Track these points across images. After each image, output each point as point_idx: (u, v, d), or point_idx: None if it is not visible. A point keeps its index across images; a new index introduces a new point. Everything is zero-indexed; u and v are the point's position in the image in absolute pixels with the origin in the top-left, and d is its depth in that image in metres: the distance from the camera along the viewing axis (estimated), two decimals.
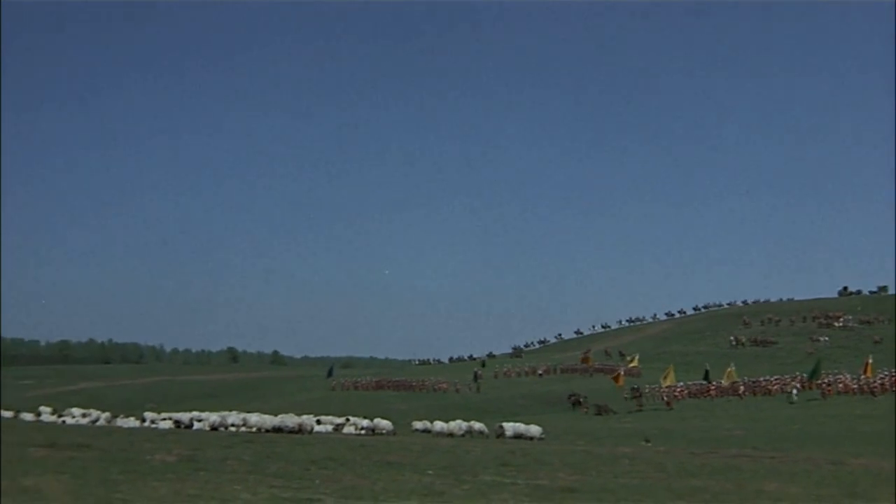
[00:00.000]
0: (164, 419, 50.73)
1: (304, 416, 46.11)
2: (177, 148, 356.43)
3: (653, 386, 77.62)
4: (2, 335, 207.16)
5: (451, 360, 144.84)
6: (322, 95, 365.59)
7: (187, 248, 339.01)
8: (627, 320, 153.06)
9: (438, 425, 47.71)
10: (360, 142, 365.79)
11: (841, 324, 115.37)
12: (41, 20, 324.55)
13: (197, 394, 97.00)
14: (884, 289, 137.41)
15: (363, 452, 28.25)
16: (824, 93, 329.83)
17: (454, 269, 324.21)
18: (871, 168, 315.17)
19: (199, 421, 47.90)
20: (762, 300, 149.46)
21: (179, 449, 26.11)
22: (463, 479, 21.41)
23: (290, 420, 43.77)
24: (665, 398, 73.30)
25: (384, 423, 48.26)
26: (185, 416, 49.74)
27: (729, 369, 79.08)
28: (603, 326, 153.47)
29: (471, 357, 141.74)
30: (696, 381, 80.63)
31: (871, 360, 71.51)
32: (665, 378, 77.24)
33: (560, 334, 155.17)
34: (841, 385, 69.99)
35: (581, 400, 75.06)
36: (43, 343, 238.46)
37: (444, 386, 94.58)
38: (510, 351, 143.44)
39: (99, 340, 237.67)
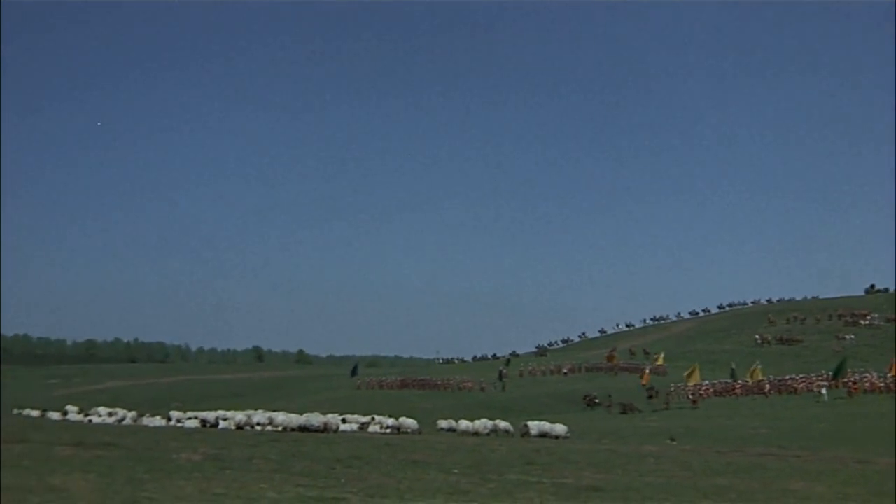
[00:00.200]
0: (190, 418, 50.94)
1: (330, 415, 46.13)
2: (198, 146, 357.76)
3: (678, 384, 77.35)
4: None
5: (474, 358, 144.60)
6: (344, 93, 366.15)
7: (213, 247, 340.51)
8: (651, 319, 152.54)
9: (463, 424, 47.67)
10: (383, 141, 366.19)
11: (867, 322, 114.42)
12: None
13: (222, 393, 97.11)
14: None
15: (388, 451, 28.25)
16: (848, 89, 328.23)
17: (478, 268, 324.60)
18: None
19: (225, 420, 48.03)
20: (787, 298, 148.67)
21: (205, 448, 26.17)
22: (488, 478, 21.40)
23: (315, 419, 43.79)
24: (690, 397, 73.05)
25: (409, 422, 48.26)
26: (210, 415, 49.88)
27: (755, 367, 78.70)
28: (627, 325, 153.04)
29: (494, 356, 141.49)
30: (721, 380, 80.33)
31: None
32: (689, 376, 76.97)
33: (584, 333, 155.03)
34: (867, 383, 69.54)
35: (596, 401, 74.79)
36: (69, 342, 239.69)
37: (469, 385, 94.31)
38: (534, 350, 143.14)
39: (125, 340, 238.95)
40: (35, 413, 65.24)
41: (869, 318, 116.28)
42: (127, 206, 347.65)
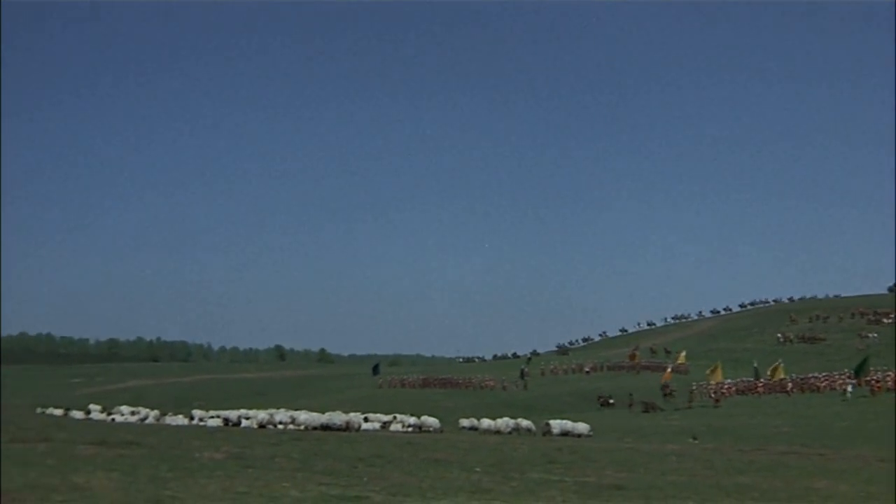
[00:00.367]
0: (213, 417, 51.15)
1: (352, 414, 46.26)
2: (218, 144, 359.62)
3: (700, 383, 77.12)
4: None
5: (494, 357, 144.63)
6: (364, 89, 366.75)
7: (235, 247, 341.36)
8: (672, 318, 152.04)
9: (485, 423, 47.71)
10: (403, 140, 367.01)
11: (890, 320, 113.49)
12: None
13: (245, 392, 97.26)
14: None
15: (410, 450, 28.26)
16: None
17: (499, 267, 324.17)
18: None
19: (248, 419, 48.26)
20: (809, 297, 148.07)
21: (228, 446, 26.21)
22: (510, 477, 21.36)
23: (337, 418, 43.90)
24: (713, 395, 72.82)
25: (431, 421, 48.31)
26: (233, 414, 50.12)
27: (777, 365, 78.32)
28: (648, 324, 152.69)
29: (515, 355, 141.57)
30: (743, 378, 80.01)
31: None
32: (712, 375, 76.73)
33: (605, 332, 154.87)
34: (890, 382, 69.12)
35: (611, 401, 74.60)
36: (92, 342, 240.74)
37: (491, 383, 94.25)
38: (554, 349, 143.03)
39: (147, 339, 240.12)
40: (58, 412, 65.57)
41: (892, 316, 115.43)
42: (150, 205, 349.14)
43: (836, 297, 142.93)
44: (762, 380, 77.66)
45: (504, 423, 47.21)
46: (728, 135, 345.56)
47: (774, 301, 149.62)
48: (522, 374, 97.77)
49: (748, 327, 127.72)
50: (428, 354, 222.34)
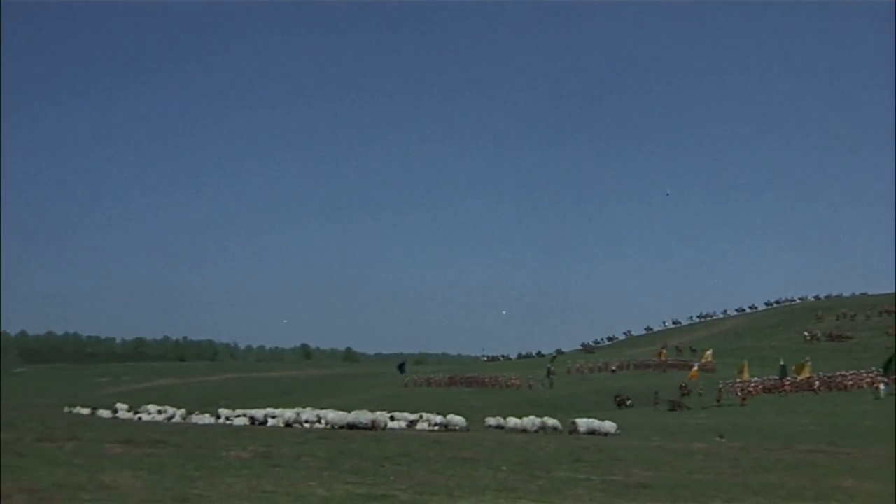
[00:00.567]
0: (239, 416, 51.25)
1: (378, 413, 46.18)
2: (242, 143, 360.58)
3: (727, 381, 76.79)
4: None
5: (519, 356, 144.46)
6: (397, 85, 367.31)
7: (262, 246, 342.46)
8: (698, 316, 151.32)
9: (512, 421, 47.60)
10: (425, 137, 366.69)
11: None
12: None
13: (271, 391, 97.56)
14: None
15: (437, 448, 28.27)
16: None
17: (523, 266, 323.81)
18: None
19: (274, 418, 48.34)
20: (835, 295, 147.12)
21: (254, 445, 26.29)
22: (536, 475, 21.33)
23: (363, 416, 43.86)
24: (739, 394, 72.50)
25: (457, 420, 48.24)
26: (259, 413, 50.20)
27: (803, 363, 77.81)
28: (674, 322, 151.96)
29: (539, 354, 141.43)
30: (769, 377, 79.58)
31: None
32: (740, 373, 76.43)
33: (630, 331, 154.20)
34: None
35: (628, 402, 74.19)
36: (119, 341, 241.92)
37: (517, 382, 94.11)
38: (579, 347, 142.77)
39: (174, 338, 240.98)
40: (85, 411, 65.86)
41: None
42: (178, 204, 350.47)
43: (862, 294, 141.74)
44: (789, 378, 77.18)
45: (530, 421, 47.09)
46: (753, 131, 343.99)
47: (800, 299, 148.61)
48: (549, 373, 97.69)
49: (774, 325, 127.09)
50: (453, 353, 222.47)
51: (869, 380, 72.06)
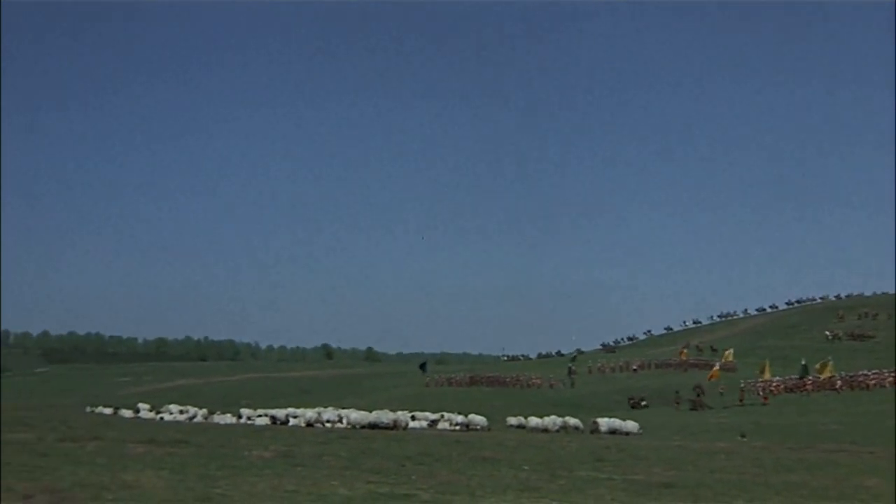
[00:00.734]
0: (260, 416, 51.37)
1: (399, 413, 46.18)
2: (265, 142, 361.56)
3: (748, 380, 76.51)
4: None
5: (539, 356, 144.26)
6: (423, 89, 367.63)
7: (282, 246, 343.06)
8: (718, 316, 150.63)
9: (533, 421, 47.56)
10: (444, 140, 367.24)
11: None
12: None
13: (292, 390, 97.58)
14: None
15: (458, 448, 28.23)
16: None
17: (543, 265, 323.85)
18: None
19: (295, 417, 48.41)
20: (856, 294, 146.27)
21: (276, 445, 26.31)
22: (558, 475, 21.28)
23: (384, 416, 43.84)
24: (761, 393, 72.21)
25: (478, 419, 48.21)
26: (280, 413, 50.30)
27: (826, 362, 77.38)
28: (694, 322, 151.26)
29: (559, 353, 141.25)
30: (791, 376, 79.22)
31: None
32: (762, 373, 76.17)
33: (650, 330, 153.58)
34: None
35: (643, 403, 73.77)
36: (140, 341, 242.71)
37: (538, 382, 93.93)
38: (599, 347, 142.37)
39: (195, 338, 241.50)
40: (107, 411, 66.02)
41: None
42: (199, 205, 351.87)
43: (884, 293, 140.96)
44: (811, 377, 76.77)
45: (552, 421, 47.05)
46: (772, 131, 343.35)
47: (822, 298, 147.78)
48: (570, 372, 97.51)
49: (796, 325, 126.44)
50: (474, 353, 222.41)
51: (891, 379, 71.66)
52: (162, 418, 55.76)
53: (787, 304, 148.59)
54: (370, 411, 45.91)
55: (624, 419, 47.15)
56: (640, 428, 45.35)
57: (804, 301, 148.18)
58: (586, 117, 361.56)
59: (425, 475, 20.15)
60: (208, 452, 23.48)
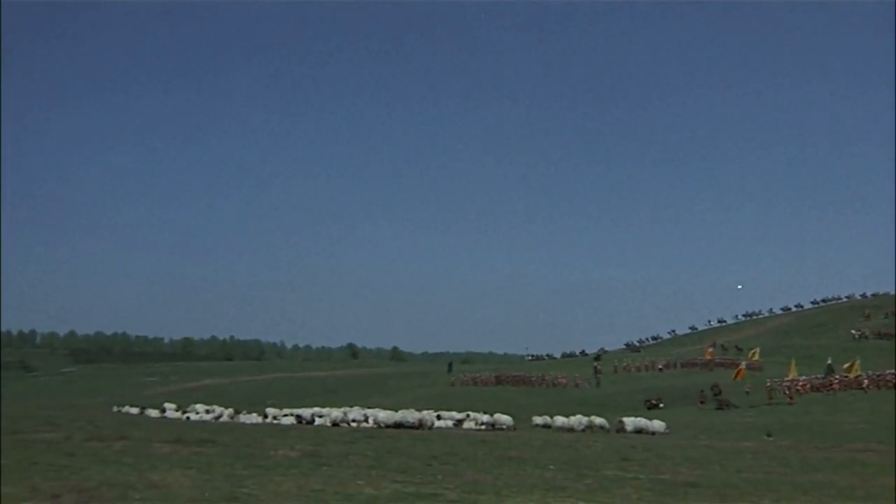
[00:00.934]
0: (286, 415, 51.47)
1: (425, 412, 46.19)
2: (293, 142, 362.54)
3: (774, 379, 76.15)
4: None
5: (563, 355, 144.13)
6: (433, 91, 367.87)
7: (308, 246, 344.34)
8: (744, 315, 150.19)
9: (559, 420, 47.48)
10: (471, 142, 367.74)
11: None
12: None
13: (317, 390, 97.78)
14: None
15: (484, 448, 28.22)
16: None
17: (569, 266, 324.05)
18: None
19: (321, 417, 48.49)
20: (882, 293, 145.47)
21: (302, 444, 26.35)
22: (584, 474, 21.24)
23: (410, 416, 43.85)
24: (787, 392, 71.87)
25: (504, 419, 48.13)
26: (306, 412, 50.40)
27: (853, 361, 76.95)
28: (719, 321, 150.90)
29: (583, 353, 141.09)
30: (817, 375, 78.84)
31: None
32: (788, 372, 75.86)
33: (674, 330, 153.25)
34: None
35: (660, 405, 73.30)
36: (167, 341, 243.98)
37: (564, 381, 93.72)
38: (623, 346, 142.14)
39: (221, 338, 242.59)
40: (134, 410, 66.29)
41: None
42: (225, 206, 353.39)
43: None
44: (837, 376, 76.34)
45: (577, 420, 46.96)
46: (798, 133, 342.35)
47: (847, 297, 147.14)
48: (595, 372, 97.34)
49: (822, 324, 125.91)
50: (499, 352, 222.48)
51: None
52: (188, 418, 55.93)
53: (812, 303, 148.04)
54: (396, 411, 45.96)
55: (650, 419, 47.00)
56: (667, 427, 45.20)
57: (830, 300, 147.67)
58: (613, 119, 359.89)
59: (451, 475, 20.15)
60: (234, 452, 23.54)
